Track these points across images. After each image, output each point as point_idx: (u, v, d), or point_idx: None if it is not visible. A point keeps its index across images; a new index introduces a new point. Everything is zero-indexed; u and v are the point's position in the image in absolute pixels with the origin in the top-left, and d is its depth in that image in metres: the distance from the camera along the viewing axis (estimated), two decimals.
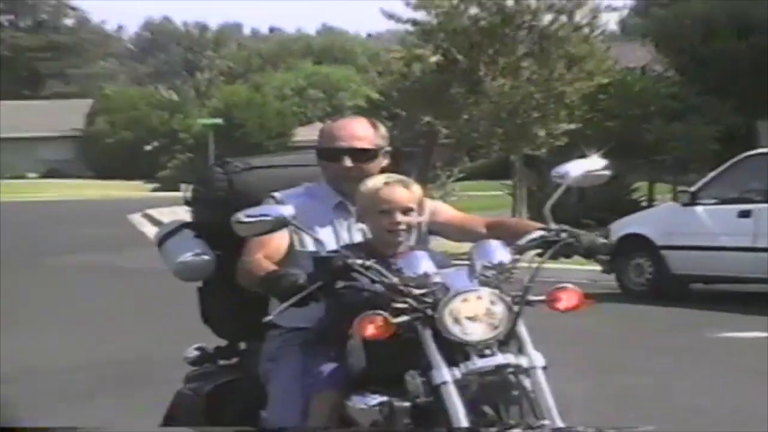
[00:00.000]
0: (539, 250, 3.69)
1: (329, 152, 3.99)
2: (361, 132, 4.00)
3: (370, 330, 3.45)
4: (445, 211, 4.14)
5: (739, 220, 12.06)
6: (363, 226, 3.83)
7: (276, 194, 3.94)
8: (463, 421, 3.34)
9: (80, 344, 9.39)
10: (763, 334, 9.63)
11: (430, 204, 4.06)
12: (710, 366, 8.92)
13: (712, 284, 12.83)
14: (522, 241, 3.66)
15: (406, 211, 3.73)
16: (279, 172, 4.31)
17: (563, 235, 3.69)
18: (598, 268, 12.69)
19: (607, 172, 3.89)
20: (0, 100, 53.76)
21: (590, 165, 3.87)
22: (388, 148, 4.06)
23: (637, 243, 12.82)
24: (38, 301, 12.64)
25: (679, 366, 8.88)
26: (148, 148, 48.66)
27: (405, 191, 3.76)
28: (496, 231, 3.86)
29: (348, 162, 3.91)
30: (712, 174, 12.99)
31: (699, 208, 12.51)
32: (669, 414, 7.02)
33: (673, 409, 7.25)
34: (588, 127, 18.12)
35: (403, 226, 3.71)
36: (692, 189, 12.91)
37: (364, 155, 3.95)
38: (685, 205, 12.80)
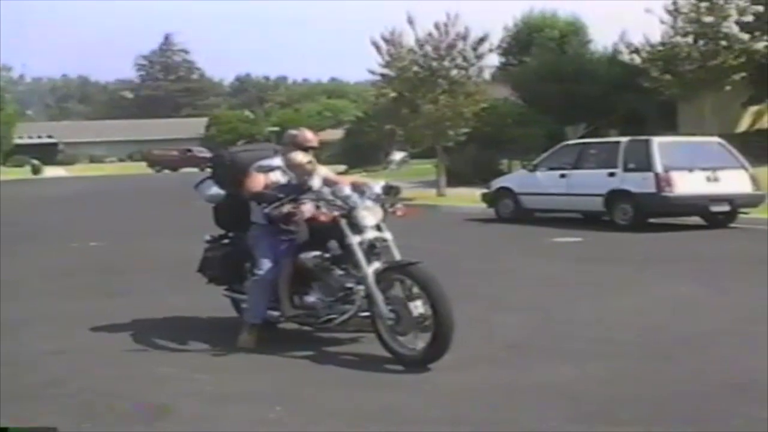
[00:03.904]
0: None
1: (303, 146, 7.14)
2: (315, 137, 7.39)
3: (323, 217, 6.51)
4: (331, 175, 7.36)
5: (559, 179, 17.54)
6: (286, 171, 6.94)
7: (261, 162, 7.03)
8: (362, 259, 6.35)
9: (176, 246, 13.12)
10: (575, 239, 14.87)
11: (326, 171, 7.29)
12: (547, 254, 13.14)
13: (545, 213, 18.12)
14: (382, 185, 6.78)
15: (312, 172, 6.89)
16: (250, 153, 7.49)
17: (393, 185, 6.85)
18: (485, 205, 19.46)
19: (408, 159, 7.95)
20: (161, 119, 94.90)
21: (401, 155, 7.55)
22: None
23: (505, 191, 18.80)
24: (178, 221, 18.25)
25: (530, 255, 13.05)
26: (240, 143, 66.09)
27: (312, 164, 6.93)
28: (354, 185, 6.85)
29: (310, 151, 7.08)
30: (544, 155, 19.02)
31: (538, 173, 18.28)
32: (528, 281, 10.38)
33: (531, 277, 10.66)
34: (475, 130, 27.91)
35: (308, 177, 6.84)
36: (534, 163, 19.03)
37: (315, 149, 7.22)
38: (530, 171, 18.79)
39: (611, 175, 16.48)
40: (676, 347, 6.73)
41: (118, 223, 19.78)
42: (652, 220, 16.17)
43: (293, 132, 7.45)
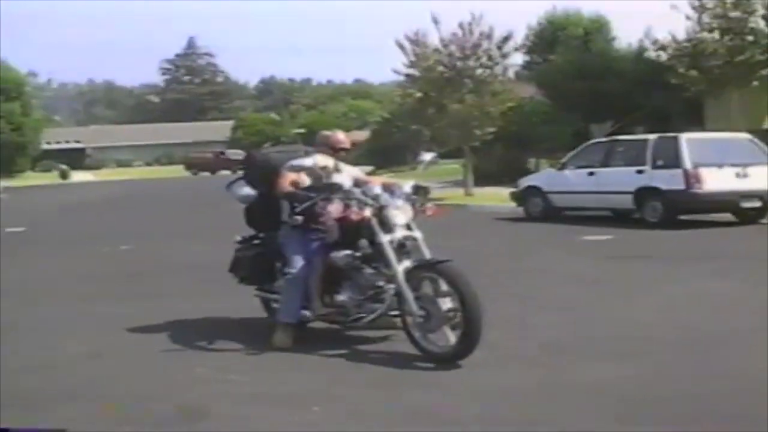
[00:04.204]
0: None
1: (336, 148, 7.32)
2: (347, 139, 7.50)
3: (354, 216, 6.55)
4: (362, 175, 7.55)
5: (588, 177, 17.55)
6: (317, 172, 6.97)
7: (293, 162, 7.03)
8: (393, 258, 6.42)
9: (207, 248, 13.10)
10: (605, 237, 14.63)
11: (357, 172, 7.50)
12: (577, 252, 13.20)
13: (574, 211, 18.00)
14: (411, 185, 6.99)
15: (328, 175, 6.95)
16: (282, 154, 7.57)
17: (422, 185, 7.09)
18: (514, 204, 19.53)
19: (438, 159, 7.69)
20: (187, 122, 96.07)
21: (431, 155, 7.55)
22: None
23: (533, 190, 18.83)
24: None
25: (560, 253, 13.04)
26: (266, 146, 68.21)
27: (326, 169, 6.96)
28: (384, 185, 6.99)
29: (342, 153, 7.33)
30: (571, 153, 19.06)
31: (566, 171, 18.32)
32: (558, 279, 10.35)
33: (561, 275, 10.68)
34: (502, 129, 27.20)
35: (326, 180, 6.94)
36: (562, 161, 19.06)
37: (346, 150, 7.39)
38: (558, 169, 18.82)
39: (640, 172, 16.47)
40: (708, 345, 6.73)
41: (149, 226, 19.94)
42: (682, 217, 16.13)
43: (326, 133, 7.62)
